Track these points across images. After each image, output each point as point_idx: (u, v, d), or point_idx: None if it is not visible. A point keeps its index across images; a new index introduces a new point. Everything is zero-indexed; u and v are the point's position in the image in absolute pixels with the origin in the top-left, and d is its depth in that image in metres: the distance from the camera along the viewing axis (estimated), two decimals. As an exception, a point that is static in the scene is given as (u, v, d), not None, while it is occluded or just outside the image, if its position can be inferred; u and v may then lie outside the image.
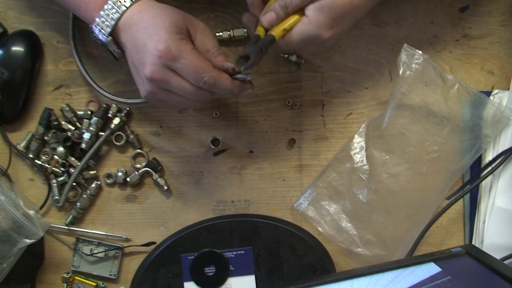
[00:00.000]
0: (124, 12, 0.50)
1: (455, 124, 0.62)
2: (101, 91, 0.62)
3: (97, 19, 0.51)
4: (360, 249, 0.64)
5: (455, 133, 0.62)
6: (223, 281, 0.64)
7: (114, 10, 0.50)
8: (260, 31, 0.51)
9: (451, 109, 0.62)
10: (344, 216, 0.64)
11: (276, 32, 0.50)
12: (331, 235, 0.64)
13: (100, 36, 0.52)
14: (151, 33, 0.48)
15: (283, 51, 0.62)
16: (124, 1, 0.50)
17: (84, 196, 0.64)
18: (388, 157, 0.62)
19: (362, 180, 0.63)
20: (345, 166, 0.64)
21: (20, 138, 0.65)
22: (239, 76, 0.51)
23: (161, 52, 0.47)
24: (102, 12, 0.51)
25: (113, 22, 0.51)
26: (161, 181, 0.64)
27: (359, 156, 0.64)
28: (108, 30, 0.51)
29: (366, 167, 0.64)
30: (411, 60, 0.60)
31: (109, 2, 0.50)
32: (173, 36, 0.48)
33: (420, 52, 0.60)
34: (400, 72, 0.60)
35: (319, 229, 0.65)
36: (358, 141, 0.64)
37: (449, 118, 0.62)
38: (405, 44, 0.60)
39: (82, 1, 0.52)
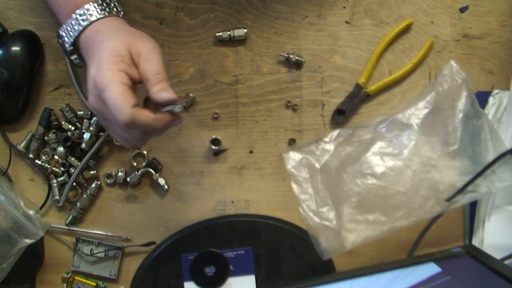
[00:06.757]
0: (85, 27, 0.50)
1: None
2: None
3: (64, 26, 0.52)
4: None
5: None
6: (223, 281, 0.64)
7: (77, 22, 0.50)
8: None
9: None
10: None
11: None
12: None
13: (65, 44, 0.52)
14: (94, 60, 0.47)
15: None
16: (90, 14, 0.50)
17: (84, 196, 0.64)
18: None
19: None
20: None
21: (20, 138, 0.64)
22: (167, 108, 0.46)
23: (95, 82, 0.45)
24: (69, 20, 0.51)
25: (75, 34, 0.50)
26: (161, 181, 0.64)
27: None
28: (71, 40, 0.51)
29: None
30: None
31: (74, 14, 0.50)
32: (109, 66, 0.45)
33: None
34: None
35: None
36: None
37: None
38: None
39: (57, 4, 0.53)
